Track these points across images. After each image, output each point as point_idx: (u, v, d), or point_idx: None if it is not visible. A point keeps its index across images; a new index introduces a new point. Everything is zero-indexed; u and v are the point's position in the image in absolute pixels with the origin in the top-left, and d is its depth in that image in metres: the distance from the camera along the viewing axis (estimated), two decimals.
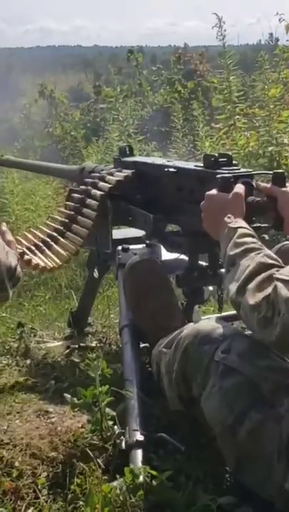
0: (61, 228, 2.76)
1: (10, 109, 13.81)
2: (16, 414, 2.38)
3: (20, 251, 2.61)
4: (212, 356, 1.93)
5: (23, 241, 2.75)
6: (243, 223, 2.02)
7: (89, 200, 2.73)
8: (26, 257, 2.62)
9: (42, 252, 2.71)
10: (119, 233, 2.85)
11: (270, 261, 1.85)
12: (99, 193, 2.71)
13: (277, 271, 1.80)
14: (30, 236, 2.78)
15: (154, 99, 10.80)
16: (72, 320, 3.16)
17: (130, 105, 8.33)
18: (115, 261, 2.73)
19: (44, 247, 2.72)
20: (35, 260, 2.64)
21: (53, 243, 2.73)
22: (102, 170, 2.88)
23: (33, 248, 2.71)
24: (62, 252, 2.69)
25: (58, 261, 2.66)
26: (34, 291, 5.39)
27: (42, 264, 2.64)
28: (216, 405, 1.88)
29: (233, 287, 1.88)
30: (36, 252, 2.70)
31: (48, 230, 2.79)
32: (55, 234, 2.76)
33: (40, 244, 2.74)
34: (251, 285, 1.81)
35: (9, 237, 2.59)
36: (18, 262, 2.46)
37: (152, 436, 2.10)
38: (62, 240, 2.72)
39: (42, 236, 2.78)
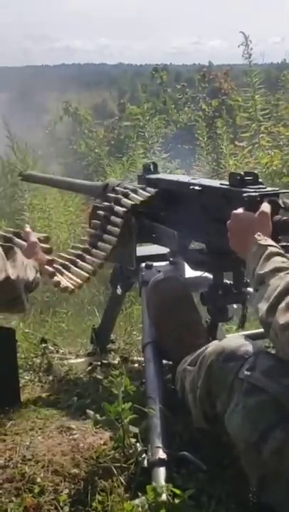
0: (88, 247, 2.76)
1: (35, 126, 13.91)
2: (38, 430, 2.37)
3: (52, 271, 2.63)
4: (236, 373, 1.91)
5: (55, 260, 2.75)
6: (272, 242, 2.03)
7: (113, 217, 2.73)
8: (56, 278, 2.63)
9: (68, 269, 2.70)
10: (143, 250, 2.85)
11: None
12: (122, 209, 2.71)
13: None
14: (59, 258, 2.77)
15: (178, 117, 10.83)
16: (94, 336, 3.16)
17: (155, 122, 8.35)
18: (139, 278, 2.73)
19: (71, 265, 2.72)
20: (64, 283, 2.64)
21: (79, 260, 2.73)
22: (126, 187, 2.88)
23: (60, 268, 2.71)
24: (86, 267, 2.68)
25: (80, 280, 2.66)
26: (56, 308, 5.41)
27: (68, 285, 2.64)
28: (239, 423, 1.86)
29: (263, 307, 1.88)
30: (64, 271, 2.70)
31: (76, 251, 2.78)
32: (82, 253, 2.76)
33: (68, 263, 2.74)
34: (282, 305, 1.81)
35: (33, 238, 2.63)
36: (36, 274, 2.48)
37: (175, 455, 2.08)
38: (88, 256, 2.72)
39: (71, 257, 2.77)
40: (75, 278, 2.66)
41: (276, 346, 1.85)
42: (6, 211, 7.59)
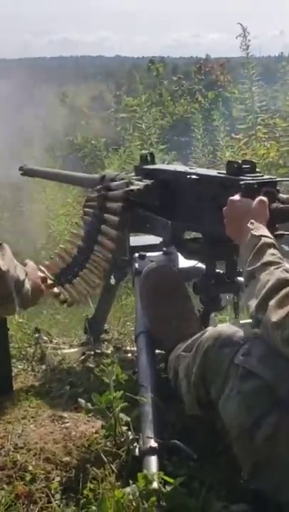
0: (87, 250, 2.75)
1: (31, 118, 13.87)
2: (30, 419, 2.38)
3: (50, 282, 2.66)
4: (232, 359, 1.92)
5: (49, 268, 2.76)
6: (266, 231, 2.01)
7: (110, 204, 2.72)
8: (55, 290, 2.68)
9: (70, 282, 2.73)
10: (136, 240, 2.84)
11: None
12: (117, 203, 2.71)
13: None
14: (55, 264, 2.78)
15: (175, 109, 10.81)
16: (88, 326, 3.16)
17: (152, 114, 8.33)
18: (132, 268, 2.73)
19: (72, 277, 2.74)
20: (64, 295, 2.68)
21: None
22: (123, 178, 2.87)
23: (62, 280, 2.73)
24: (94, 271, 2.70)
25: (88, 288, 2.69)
26: (51, 299, 5.40)
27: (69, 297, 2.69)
28: (234, 408, 1.87)
29: (252, 303, 1.87)
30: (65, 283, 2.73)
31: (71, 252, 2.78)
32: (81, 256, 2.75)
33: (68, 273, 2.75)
34: (272, 302, 1.80)
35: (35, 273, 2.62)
36: (26, 277, 2.47)
37: (166, 443, 2.09)
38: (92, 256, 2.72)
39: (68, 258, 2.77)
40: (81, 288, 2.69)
41: (269, 342, 1.84)
42: (6, 204, 7.59)
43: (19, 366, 2.93)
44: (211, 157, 7.49)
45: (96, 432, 2.20)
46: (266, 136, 6.58)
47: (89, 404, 2.21)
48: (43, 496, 1.96)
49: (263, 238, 1.98)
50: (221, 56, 16.56)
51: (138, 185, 2.72)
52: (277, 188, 2.22)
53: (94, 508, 1.86)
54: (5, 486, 1.98)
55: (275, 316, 1.77)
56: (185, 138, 8.88)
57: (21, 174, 3.76)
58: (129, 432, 2.12)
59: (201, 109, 10.06)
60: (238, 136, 6.95)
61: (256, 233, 1.99)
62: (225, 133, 6.89)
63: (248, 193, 2.13)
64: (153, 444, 2.04)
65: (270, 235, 2.01)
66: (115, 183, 2.78)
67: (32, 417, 2.39)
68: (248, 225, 2.02)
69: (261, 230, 2.01)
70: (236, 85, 8.57)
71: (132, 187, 2.70)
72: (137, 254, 2.74)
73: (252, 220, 2.03)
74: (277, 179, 2.27)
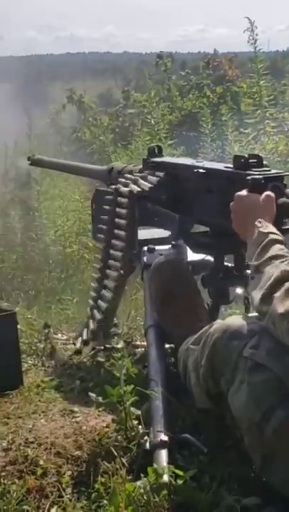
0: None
1: (40, 115, 13.91)
2: (41, 414, 2.39)
3: None
4: (241, 352, 1.91)
5: None
6: (274, 229, 2.01)
7: (120, 199, 2.72)
8: None
9: None
10: (145, 233, 2.84)
11: None
12: (127, 190, 2.70)
13: None
14: None
15: (183, 104, 10.78)
16: None
17: (161, 109, 8.31)
18: (141, 261, 2.73)
19: None
20: None
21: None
22: (131, 170, 2.86)
23: None
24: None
25: None
26: (62, 295, 5.42)
27: None
28: (243, 401, 1.86)
29: (257, 295, 1.87)
30: None
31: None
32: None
33: None
34: (278, 293, 1.79)
35: None
36: None
37: (177, 437, 2.09)
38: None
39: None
40: None
41: (275, 334, 1.84)
42: (16, 200, 7.62)
43: (29, 361, 2.94)
44: (220, 152, 7.46)
45: (107, 426, 2.20)
46: (275, 130, 6.56)
47: (100, 399, 2.21)
48: (54, 490, 1.96)
49: (270, 235, 1.98)
50: (229, 51, 16.53)
51: (150, 181, 2.70)
52: (284, 182, 2.21)
53: (105, 501, 1.87)
54: (16, 480, 1.98)
55: (282, 307, 1.77)
56: (193, 133, 8.86)
57: (29, 164, 3.79)
58: (140, 426, 2.11)
59: (210, 104, 10.01)
60: (246, 131, 6.94)
61: (264, 230, 1.99)
62: (233, 128, 6.86)
63: (255, 187, 2.12)
64: (163, 437, 2.04)
65: (277, 232, 2.01)
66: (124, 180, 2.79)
67: (43, 412, 2.40)
68: (256, 223, 2.01)
69: (269, 228, 2.01)
70: (244, 79, 8.55)
71: (142, 186, 2.69)
72: (145, 248, 2.73)
73: (260, 219, 2.02)
74: (285, 173, 2.26)
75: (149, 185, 2.67)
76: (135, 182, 2.73)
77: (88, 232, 6.37)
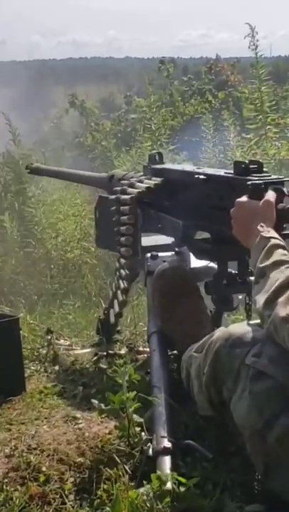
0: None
1: (42, 120, 13.91)
2: (43, 420, 2.38)
3: None
4: (243, 360, 1.91)
5: None
6: (275, 234, 2.02)
7: (122, 208, 2.72)
8: None
9: None
10: (148, 240, 2.84)
11: None
12: (128, 197, 2.71)
13: None
14: None
15: (185, 110, 10.79)
16: (100, 327, 3.15)
17: (162, 114, 8.32)
18: (144, 268, 2.73)
19: None
20: None
21: None
22: (132, 177, 2.87)
23: None
24: None
25: None
26: (63, 300, 5.42)
27: None
28: (245, 409, 1.86)
29: (260, 299, 1.88)
30: None
31: None
32: None
33: None
34: (282, 298, 1.80)
35: None
36: None
37: (180, 444, 2.08)
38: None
39: None
40: None
41: (277, 338, 1.84)
42: (15, 207, 7.60)
43: (32, 367, 2.94)
44: (222, 157, 7.47)
45: (109, 433, 2.20)
46: (276, 135, 6.57)
47: (102, 405, 2.20)
48: (57, 496, 1.96)
49: (272, 240, 1.99)
50: (231, 56, 16.54)
51: (148, 183, 2.72)
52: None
53: (108, 508, 1.86)
54: (19, 487, 1.98)
55: (285, 311, 1.77)
56: (195, 138, 8.86)
57: (28, 173, 3.77)
58: (143, 433, 2.11)
59: (212, 109, 10.04)
60: (248, 136, 6.95)
61: (266, 235, 2.00)
62: (235, 133, 6.87)
63: (255, 193, 2.13)
64: (167, 444, 2.03)
65: (279, 237, 2.01)
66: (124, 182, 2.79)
67: (45, 418, 2.40)
68: (258, 227, 2.02)
69: (271, 233, 2.02)
70: (246, 85, 8.56)
71: (142, 185, 2.70)
72: (149, 254, 2.73)
73: (262, 224, 2.03)
74: (285, 179, 2.26)
75: (146, 185, 2.68)
76: (132, 186, 2.74)
77: (90, 237, 6.37)
